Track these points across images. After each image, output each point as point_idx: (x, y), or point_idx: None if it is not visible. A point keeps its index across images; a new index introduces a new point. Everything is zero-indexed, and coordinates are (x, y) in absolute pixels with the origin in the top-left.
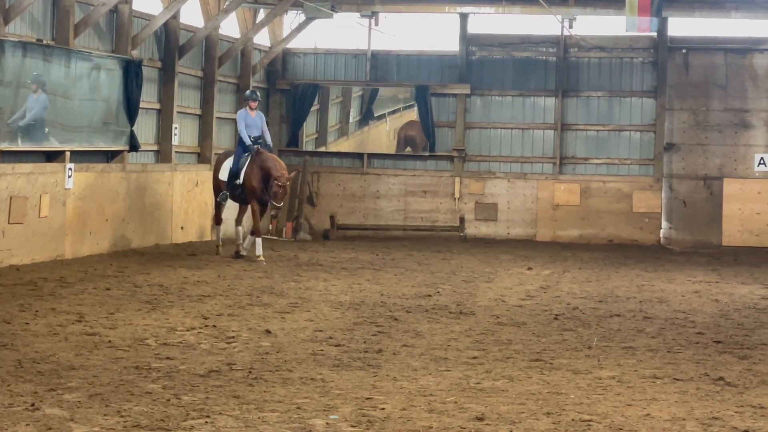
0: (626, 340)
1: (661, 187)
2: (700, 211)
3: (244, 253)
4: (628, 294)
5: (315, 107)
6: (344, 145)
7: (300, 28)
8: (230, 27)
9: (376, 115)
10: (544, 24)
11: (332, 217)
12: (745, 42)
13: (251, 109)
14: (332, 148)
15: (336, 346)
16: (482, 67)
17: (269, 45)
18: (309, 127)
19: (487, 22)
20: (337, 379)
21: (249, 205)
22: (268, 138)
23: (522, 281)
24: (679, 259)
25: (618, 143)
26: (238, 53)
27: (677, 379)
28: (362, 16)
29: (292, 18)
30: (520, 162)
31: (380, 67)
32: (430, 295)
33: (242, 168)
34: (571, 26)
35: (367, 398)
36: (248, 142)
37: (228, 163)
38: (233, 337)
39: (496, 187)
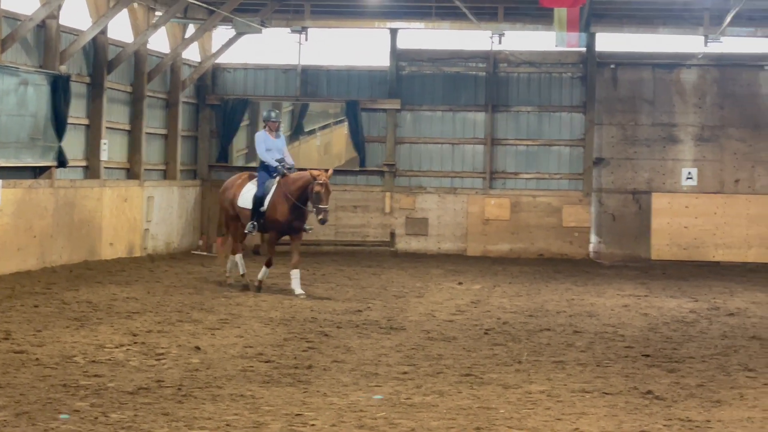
0: (556, 354)
1: (590, 201)
2: (629, 225)
3: (232, 281)
4: (558, 308)
5: (245, 122)
6: None
7: (230, 43)
8: (160, 42)
9: (306, 130)
10: (474, 39)
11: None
12: (672, 57)
13: (271, 130)
14: None
15: (266, 362)
16: (412, 82)
17: (199, 60)
18: (239, 142)
19: (417, 37)
20: (267, 396)
21: (269, 234)
22: (290, 159)
23: (452, 296)
24: (608, 273)
25: (547, 158)
26: (167, 68)
27: (606, 393)
28: (292, 31)
29: (221, 33)
30: (451, 177)
31: (310, 83)
32: (360, 311)
33: (268, 194)
34: (500, 42)
35: (297, 414)
36: (274, 163)
37: (249, 189)
38: (163, 353)
39: (427, 202)
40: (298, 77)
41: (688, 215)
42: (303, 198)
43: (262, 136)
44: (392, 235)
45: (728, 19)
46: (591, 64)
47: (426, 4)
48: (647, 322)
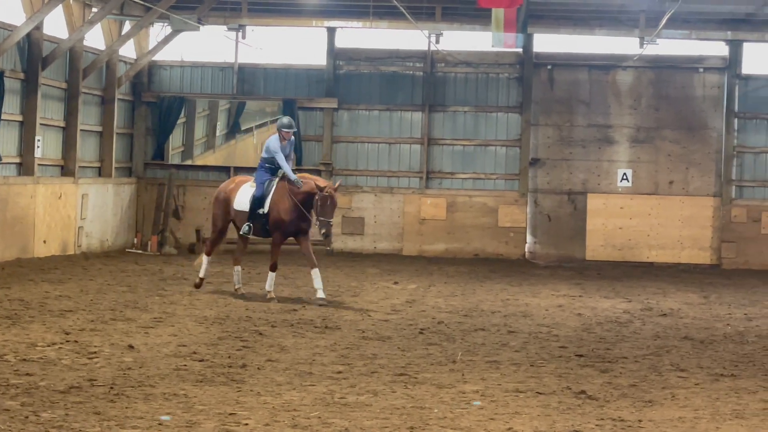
0: (490, 354)
1: (526, 201)
2: (565, 225)
3: (243, 291)
4: (493, 308)
5: (181, 120)
6: (211, 159)
7: (166, 40)
8: (95, 39)
9: (243, 128)
10: (412, 39)
11: (198, 231)
12: (608, 59)
13: (284, 138)
14: (199, 162)
15: (200, 361)
16: (349, 81)
17: (135, 57)
18: (175, 140)
19: (355, 36)
20: (200, 395)
21: (273, 238)
22: (290, 164)
23: (388, 295)
24: (543, 274)
25: (484, 158)
26: (103, 65)
27: (540, 393)
28: (229, 29)
29: (158, 30)
30: (387, 176)
31: (247, 81)
32: (295, 310)
33: (268, 195)
34: (438, 41)
35: (231, 414)
36: (293, 177)
37: (245, 190)
38: (95, 352)
39: (363, 201)
40: (234, 75)
41: (623, 216)
42: (306, 203)
43: (276, 145)
44: (325, 234)
45: (664, 21)
46: (528, 64)
47: (364, 3)
48: (581, 322)
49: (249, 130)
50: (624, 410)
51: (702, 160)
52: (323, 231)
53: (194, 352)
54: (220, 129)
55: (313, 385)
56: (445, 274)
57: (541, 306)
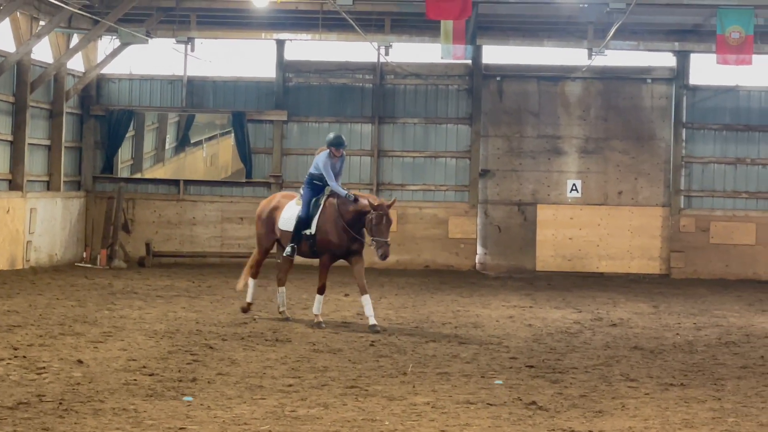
0: (441, 366)
1: (476, 213)
2: (515, 236)
3: (288, 314)
4: (444, 319)
5: (130, 133)
6: (160, 172)
7: (115, 53)
8: (43, 52)
9: (192, 141)
10: (361, 51)
11: (148, 245)
12: (557, 70)
13: (334, 156)
14: (148, 175)
15: (150, 375)
16: (299, 93)
17: (83, 70)
18: (124, 153)
19: (304, 48)
20: (150, 409)
21: (321, 260)
22: (338, 181)
23: (339, 308)
24: (493, 285)
25: (434, 169)
26: (51, 78)
27: (490, 404)
28: (178, 41)
29: (106, 43)
30: None
31: (196, 93)
32: (246, 323)
33: (315, 215)
34: (387, 53)
35: (181, 428)
36: (342, 192)
37: (291, 208)
38: (44, 367)
39: None
40: (184, 88)
41: (573, 227)
42: (356, 225)
43: (327, 161)
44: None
45: (612, 32)
46: (477, 76)
47: (313, 15)
48: (532, 333)
49: (198, 143)
50: (574, 421)
51: (651, 171)
52: (381, 252)
53: (144, 367)
54: (170, 142)
55: (264, 399)
56: (395, 286)
57: (492, 317)
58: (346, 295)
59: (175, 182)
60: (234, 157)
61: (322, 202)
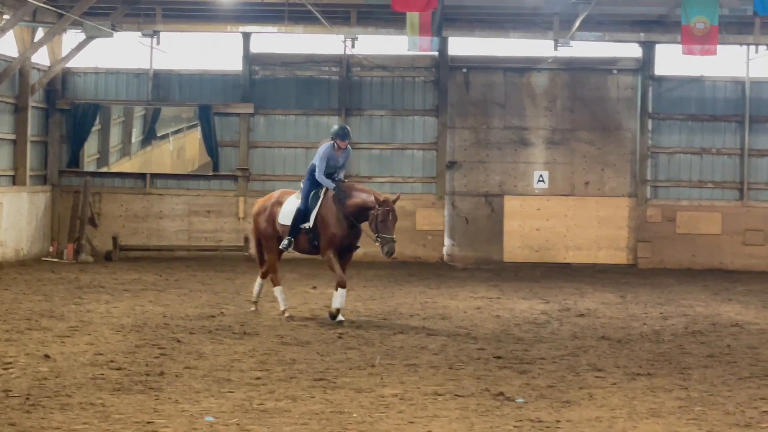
0: (409, 358)
1: (443, 204)
2: (482, 228)
3: (257, 308)
4: (412, 311)
5: (96, 127)
6: (127, 165)
7: (80, 47)
8: (8, 46)
9: (159, 134)
10: (327, 43)
11: (114, 238)
12: (523, 61)
13: (339, 148)
14: (114, 169)
15: (117, 369)
16: (265, 86)
17: (49, 64)
18: (90, 147)
19: (270, 41)
20: (117, 404)
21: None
22: (341, 174)
23: (306, 300)
24: (461, 276)
25: (401, 162)
26: (16, 73)
27: (458, 395)
28: (144, 35)
29: (72, 37)
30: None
31: (162, 87)
32: (213, 316)
33: (314, 208)
34: (353, 46)
35: (148, 422)
36: (330, 185)
37: (291, 204)
38: (10, 362)
39: None
40: (150, 81)
41: (540, 217)
42: (359, 216)
43: (327, 151)
44: (246, 239)
45: (577, 23)
46: (443, 68)
47: (279, 8)
48: (499, 324)
49: (165, 137)
50: (542, 411)
51: (617, 161)
52: (386, 249)
53: (111, 361)
54: (136, 136)
55: (232, 392)
56: (363, 278)
57: (460, 308)
58: (314, 287)
59: (141, 176)
60: (201, 150)
61: (322, 195)
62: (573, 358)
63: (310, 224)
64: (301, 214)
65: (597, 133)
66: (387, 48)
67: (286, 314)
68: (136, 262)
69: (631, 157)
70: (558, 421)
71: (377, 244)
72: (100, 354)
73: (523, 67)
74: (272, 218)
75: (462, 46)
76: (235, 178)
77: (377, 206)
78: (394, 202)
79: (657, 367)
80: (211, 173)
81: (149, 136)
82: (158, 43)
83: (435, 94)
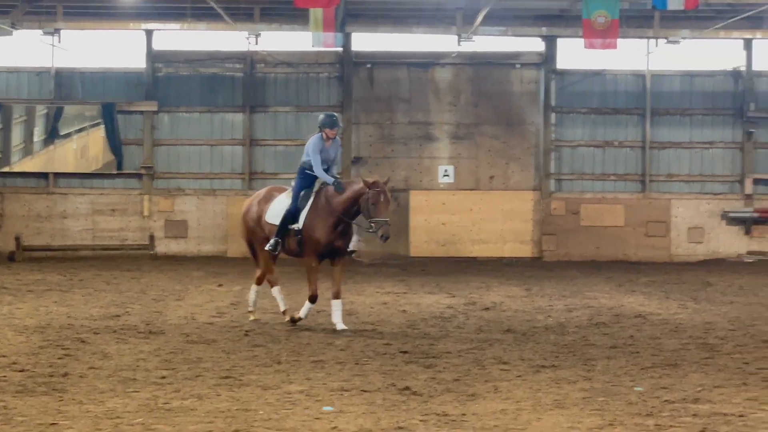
0: (315, 354)
1: None
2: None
3: (258, 316)
4: (318, 307)
5: None
6: (29, 165)
7: None
8: None
9: (62, 133)
10: (231, 40)
11: (17, 239)
12: (427, 56)
13: (328, 138)
14: (17, 168)
15: (20, 371)
16: (169, 83)
17: None
18: None
19: (173, 38)
20: (20, 406)
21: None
22: (334, 169)
23: (212, 298)
24: (368, 271)
25: None
26: None
27: (365, 391)
28: (45, 33)
29: None
30: (210, 178)
31: (65, 85)
32: (119, 315)
33: (303, 208)
34: (257, 42)
35: (52, 423)
36: (329, 179)
37: (280, 203)
38: None
39: (186, 204)
40: (52, 80)
41: (446, 212)
42: (351, 212)
43: (317, 144)
44: (151, 238)
45: (480, 18)
46: (347, 64)
47: (181, 5)
48: (406, 318)
49: (68, 135)
50: (448, 405)
51: (521, 155)
52: (381, 233)
53: (14, 363)
54: (38, 134)
55: (137, 392)
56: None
57: (366, 304)
58: (220, 285)
59: (44, 175)
60: (104, 148)
61: (313, 194)
62: (479, 351)
63: (299, 225)
64: (291, 215)
65: (501, 128)
66: (291, 44)
67: (287, 317)
68: (39, 263)
69: (535, 150)
70: (464, 415)
71: (371, 231)
72: (3, 356)
73: (427, 62)
74: (259, 217)
75: (366, 41)
76: (139, 176)
77: (367, 189)
78: (386, 183)
79: (561, 359)
80: (115, 172)
81: (52, 135)
82: (60, 41)
83: (339, 89)
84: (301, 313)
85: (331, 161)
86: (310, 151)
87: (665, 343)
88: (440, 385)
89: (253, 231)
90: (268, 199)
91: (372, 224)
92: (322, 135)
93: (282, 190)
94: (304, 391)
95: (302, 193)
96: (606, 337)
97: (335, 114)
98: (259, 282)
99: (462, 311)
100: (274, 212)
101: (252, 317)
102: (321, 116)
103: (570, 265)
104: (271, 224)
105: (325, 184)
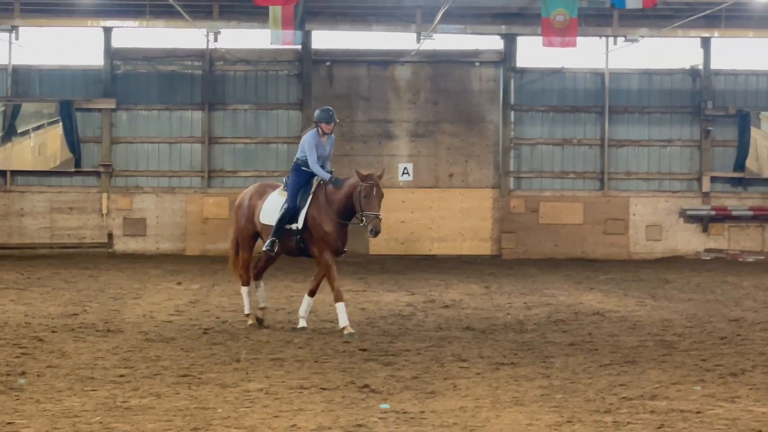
0: (275, 352)
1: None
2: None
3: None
4: (277, 305)
5: None
6: None
7: None
8: None
9: (19, 131)
10: (190, 37)
11: None
12: (386, 54)
13: (324, 133)
14: None
15: None
16: (127, 81)
17: None
18: None
19: (132, 35)
20: None
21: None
22: (328, 165)
23: (171, 296)
24: None
25: (266, 156)
26: None
27: (324, 389)
28: (1, 30)
29: None
30: (168, 176)
31: (22, 82)
32: (77, 314)
33: (303, 207)
34: (216, 40)
35: (9, 423)
36: (325, 175)
37: (274, 199)
38: None
39: (145, 202)
40: (9, 77)
41: (405, 210)
42: (346, 212)
43: (312, 140)
44: (110, 236)
45: (439, 16)
46: (307, 61)
47: (140, 2)
48: (365, 316)
49: (26, 133)
50: (407, 402)
51: (481, 153)
52: (371, 228)
53: None
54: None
55: (95, 390)
56: (228, 273)
57: (326, 302)
58: (179, 283)
59: (1, 173)
60: (62, 146)
61: (311, 193)
62: (438, 349)
63: (299, 225)
64: (289, 214)
65: (460, 126)
66: (250, 42)
67: (250, 320)
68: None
69: (494, 148)
70: (422, 412)
71: (362, 225)
72: None
73: (387, 60)
74: (251, 214)
75: (325, 39)
76: (97, 174)
77: (361, 182)
78: (380, 177)
79: (520, 356)
80: (73, 169)
81: (9, 132)
82: (17, 38)
83: (299, 87)
84: (341, 323)
85: (326, 157)
86: (306, 147)
87: (623, 341)
88: (399, 382)
89: (244, 228)
90: (261, 194)
91: (363, 218)
92: (317, 130)
93: (275, 187)
94: (263, 389)
95: (300, 191)
96: (565, 334)
97: (331, 108)
98: (245, 283)
99: (421, 309)
100: (268, 211)
101: (250, 321)
102: (317, 111)
103: (529, 262)
104: (265, 224)
105: (322, 180)
